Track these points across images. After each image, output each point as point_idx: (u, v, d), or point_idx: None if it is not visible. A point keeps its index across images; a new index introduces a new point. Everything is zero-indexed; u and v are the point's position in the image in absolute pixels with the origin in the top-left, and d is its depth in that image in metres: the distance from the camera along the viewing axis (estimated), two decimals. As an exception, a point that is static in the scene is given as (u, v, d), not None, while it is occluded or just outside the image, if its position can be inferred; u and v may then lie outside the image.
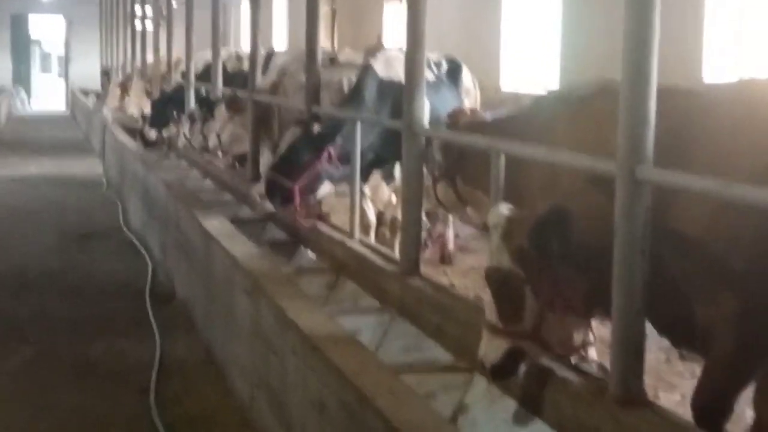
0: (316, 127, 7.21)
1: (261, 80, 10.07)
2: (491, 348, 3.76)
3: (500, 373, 3.83)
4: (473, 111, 6.34)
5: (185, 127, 11.61)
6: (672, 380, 5.19)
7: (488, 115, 5.93)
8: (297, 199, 7.18)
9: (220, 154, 11.09)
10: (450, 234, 8.40)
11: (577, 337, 3.80)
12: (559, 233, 3.64)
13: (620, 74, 3.40)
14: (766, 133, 3.29)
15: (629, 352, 3.39)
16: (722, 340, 3.27)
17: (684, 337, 3.63)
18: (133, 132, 15.37)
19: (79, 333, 7.46)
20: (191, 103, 13.23)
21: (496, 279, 3.75)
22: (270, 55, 11.68)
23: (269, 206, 7.20)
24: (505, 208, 3.86)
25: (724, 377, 3.32)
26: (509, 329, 3.72)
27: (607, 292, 3.53)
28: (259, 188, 7.19)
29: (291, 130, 7.33)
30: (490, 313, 3.77)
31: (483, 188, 4.87)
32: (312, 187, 7.26)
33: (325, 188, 7.38)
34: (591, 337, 3.90)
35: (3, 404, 6.02)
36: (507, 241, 3.74)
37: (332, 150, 7.17)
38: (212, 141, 10.54)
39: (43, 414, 5.81)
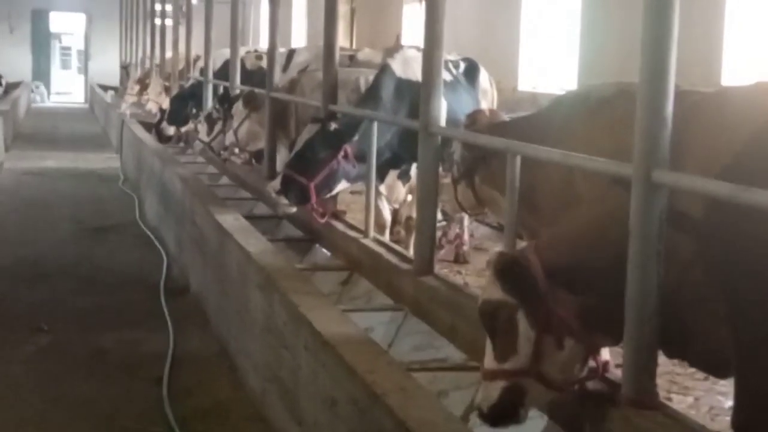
0: (333, 125, 7.21)
1: (281, 78, 10.08)
2: (488, 391, 3.57)
3: (500, 417, 3.57)
4: (492, 111, 6.33)
5: (202, 131, 11.40)
6: (685, 383, 5.18)
7: (506, 116, 5.93)
8: (313, 197, 7.18)
9: (236, 150, 11.11)
10: (465, 233, 8.40)
11: (579, 366, 3.61)
12: (524, 277, 3.53)
13: (637, 76, 3.39)
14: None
15: (642, 354, 3.39)
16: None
17: (703, 357, 3.52)
18: (150, 127, 15.43)
19: (92, 323, 7.50)
20: (209, 100, 13.27)
21: (487, 310, 3.63)
22: (291, 53, 11.69)
23: (284, 203, 7.19)
24: (500, 247, 3.74)
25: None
26: (506, 368, 3.54)
27: (607, 313, 3.49)
28: (275, 184, 7.16)
29: (308, 127, 7.31)
30: (488, 359, 3.61)
31: (500, 188, 4.86)
32: (328, 185, 7.26)
33: (341, 186, 7.39)
34: (606, 355, 3.76)
35: (16, 393, 6.06)
36: (492, 267, 3.63)
37: (349, 148, 7.18)
38: (229, 138, 10.54)
39: (56, 403, 5.85)
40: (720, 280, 3.19)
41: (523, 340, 3.53)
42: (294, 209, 7.29)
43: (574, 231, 3.75)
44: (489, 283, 3.65)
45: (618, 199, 3.54)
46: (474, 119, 5.73)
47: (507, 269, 3.57)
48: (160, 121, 14.93)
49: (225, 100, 11.06)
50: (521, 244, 4.39)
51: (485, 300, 3.65)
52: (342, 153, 7.11)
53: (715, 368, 3.59)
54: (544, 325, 3.52)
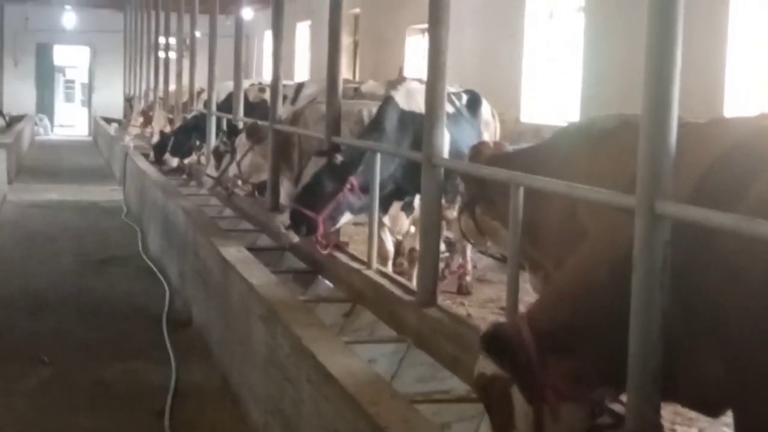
0: (339, 158, 7.21)
1: (288, 110, 10.12)
2: None
3: None
4: (496, 144, 6.36)
5: (210, 166, 11.38)
6: (689, 414, 5.14)
7: (509, 147, 5.95)
8: (320, 230, 7.19)
9: (239, 182, 11.12)
10: (468, 264, 8.40)
11: (582, 426, 3.55)
12: (513, 351, 3.46)
13: (640, 107, 3.40)
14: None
15: (646, 386, 3.37)
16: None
17: (695, 396, 3.48)
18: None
19: (95, 355, 7.48)
20: (213, 133, 13.32)
21: (481, 384, 3.58)
22: (300, 86, 11.74)
23: (293, 237, 7.17)
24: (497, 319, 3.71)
25: None
26: None
27: (606, 367, 3.45)
28: (284, 220, 7.14)
29: (314, 160, 7.31)
30: None
31: (500, 219, 4.87)
32: (333, 217, 7.28)
33: (345, 218, 7.39)
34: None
35: (18, 425, 6.03)
36: (484, 342, 3.57)
37: (354, 180, 7.18)
38: (232, 170, 10.56)
39: (58, 436, 5.83)
40: (715, 315, 3.18)
41: (520, 415, 3.47)
42: (297, 239, 7.29)
43: (567, 283, 3.69)
44: (482, 357, 3.58)
45: (620, 230, 3.53)
46: (478, 151, 5.75)
47: (495, 344, 3.50)
48: (159, 144, 14.97)
49: (232, 134, 11.10)
50: (524, 275, 4.38)
51: (479, 374, 3.59)
52: (348, 185, 7.11)
53: (708, 407, 3.54)
54: (539, 398, 3.45)
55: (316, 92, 10.95)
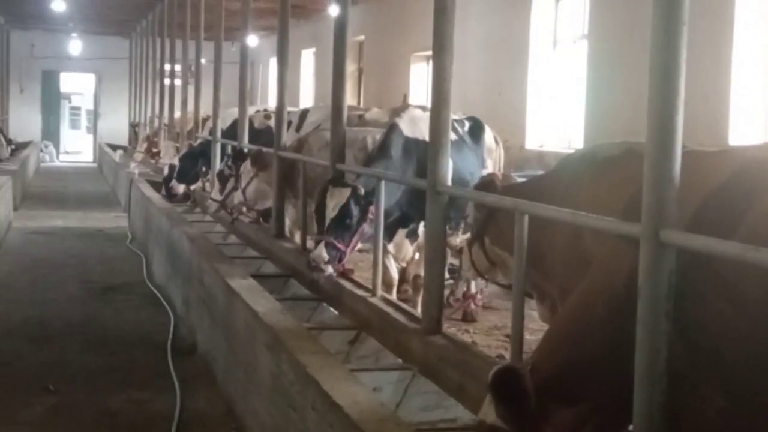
0: (362, 188, 7.19)
1: (293, 136, 10.14)
2: None
3: None
4: (505, 176, 6.38)
5: (215, 190, 11.40)
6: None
7: (516, 178, 5.96)
8: (345, 260, 7.22)
9: (244, 209, 11.14)
10: (473, 292, 8.38)
11: None
12: (516, 394, 3.40)
13: (645, 135, 3.41)
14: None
15: (653, 417, 3.35)
16: None
17: None
18: (159, 186, 15.52)
19: (100, 384, 7.47)
20: (218, 159, 13.34)
21: None
22: (305, 113, 11.78)
23: (328, 271, 7.13)
24: (500, 364, 3.58)
25: None
26: None
27: (608, 416, 3.42)
28: (322, 255, 7.07)
29: (332, 191, 7.21)
30: None
31: (510, 249, 4.86)
32: (355, 246, 7.33)
33: (358, 246, 7.43)
34: None
35: (22, 455, 6.02)
36: (489, 391, 3.48)
37: (372, 209, 7.17)
38: (237, 197, 10.58)
39: (62, 465, 5.81)
40: (718, 345, 3.16)
41: None
42: (331, 274, 7.23)
43: (567, 321, 3.63)
44: (487, 402, 3.51)
45: (621, 259, 3.52)
46: (487, 182, 5.75)
47: (503, 389, 3.41)
48: (169, 178, 15.00)
49: (238, 158, 11.12)
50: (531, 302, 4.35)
51: (480, 420, 3.54)
52: (370, 215, 7.11)
53: None
54: None
55: (320, 119, 10.99)
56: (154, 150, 20.92)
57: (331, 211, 7.10)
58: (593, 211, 3.90)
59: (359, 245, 7.44)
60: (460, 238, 7.77)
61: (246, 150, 11.86)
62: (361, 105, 18.01)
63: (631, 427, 3.50)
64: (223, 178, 11.08)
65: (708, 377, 3.22)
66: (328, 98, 8.53)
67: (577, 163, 4.68)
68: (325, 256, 7.03)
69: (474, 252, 5.73)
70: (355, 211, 7.10)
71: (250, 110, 14.57)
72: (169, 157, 18.47)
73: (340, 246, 7.08)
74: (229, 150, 13.31)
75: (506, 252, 5.04)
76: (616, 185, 4.01)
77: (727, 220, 3.17)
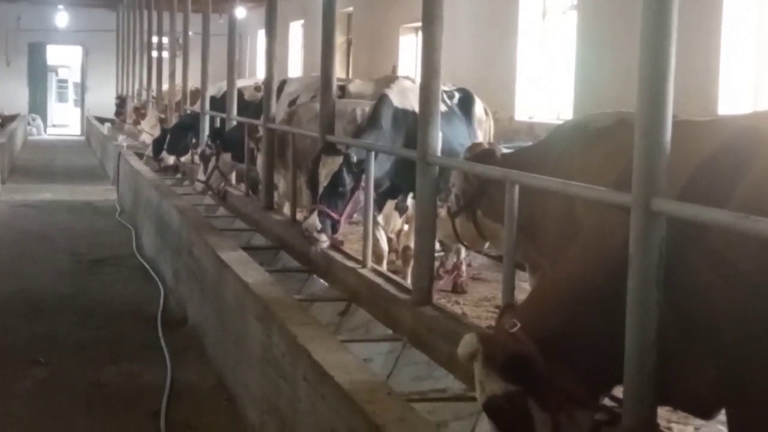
0: (355, 156, 7.15)
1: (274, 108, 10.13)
2: None
3: None
4: (491, 145, 6.36)
5: (200, 170, 11.38)
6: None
7: (503, 149, 5.94)
8: (339, 230, 7.18)
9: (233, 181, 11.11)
10: (463, 263, 8.39)
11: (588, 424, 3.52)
12: (526, 365, 3.40)
13: (635, 105, 3.40)
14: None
15: (643, 384, 3.37)
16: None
17: (687, 398, 3.45)
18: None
19: (90, 356, 7.48)
20: (206, 132, 13.30)
21: (497, 407, 3.45)
22: (283, 83, 11.75)
23: (323, 240, 7.09)
24: (469, 337, 3.52)
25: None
26: None
27: (608, 372, 3.44)
28: (315, 223, 7.02)
29: (324, 160, 7.19)
30: None
31: (503, 221, 4.85)
32: (350, 216, 7.27)
33: (353, 216, 7.40)
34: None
35: (14, 427, 6.02)
36: (491, 362, 3.45)
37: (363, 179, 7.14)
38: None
39: (54, 437, 5.82)
40: (707, 313, 3.18)
41: (540, 425, 3.41)
42: (326, 244, 7.19)
43: (561, 286, 3.64)
44: (485, 378, 3.47)
45: (613, 228, 3.53)
46: (484, 154, 5.73)
47: (509, 363, 3.41)
48: (159, 139, 14.98)
49: (217, 137, 11.11)
50: (520, 275, 4.36)
51: (490, 397, 3.46)
52: (363, 183, 7.07)
53: (701, 409, 3.54)
54: (555, 404, 3.42)
55: (297, 90, 10.97)
56: (142, 121, 20.85)
57: (323, 180, 7.07)
58: (585, 181, 3.90)
59: (354, 215, 7.40)
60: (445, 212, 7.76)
61: (234, 123, 11.86)
62: (350, 77, 17.96)
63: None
64: (205, 158, 11.07)
65: (699, 347, 3.24)
66: (317, 70, 8.50)
67: (568, 134, 4.68)
68: (318, 224, 6.99)
69: (460, 222, 5.72)
70: (347, 178, 7.06)
71: (246, 83, 14.52)
72: (150, 126, 18.41)
73: (334, 214, 7.05)
74: (218, 122, 13.29)
75: (499, 224, 5.03)
76: (608, 156, 4.01)
77: (718, 189, 3.19)
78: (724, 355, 3.15)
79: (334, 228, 7.10)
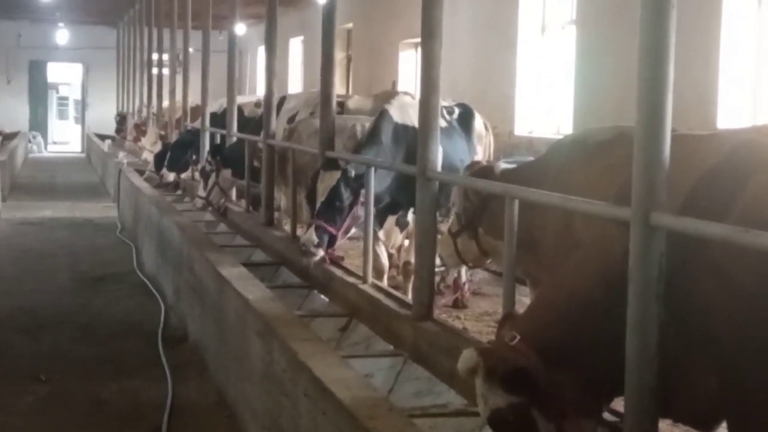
0: (352, 171, 7.16)
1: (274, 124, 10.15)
2: None
3: None
4: (489, 162, 6.38)
5: (200, 187, 11.40)
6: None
7: (503, 165, 5.95)
8: (336, 245, 7.18)
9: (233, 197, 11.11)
10: (463, 278, 8.40)
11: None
12: (528, 376, 3.41)
13: (634, 119, 3.41)
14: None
15: (644, 397, 3.37)
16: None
17: (687, 411, 3.46)
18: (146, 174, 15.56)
19: (91, 373, 7.46)
20: (206, 148, 13.33)
21: (502, 420, 3.44)
22: (282, 100, 11.78)
23: (320, 255, 7.09)
24: (469, 352, 3.51)
25: None
26: None
27: (610, 381, 3.44)
28: (312, 238, 7.02)
29: (323, 175, 7.20)
30: None
31: (504, 238, 4.84)
32: (347, 231, 7.27)
33: (352, 231, 7.40)
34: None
35: (15, 444, 6.02)
36: (493, 376, 3.43)
37: (362, 194, 7.14)
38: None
39: (55, 455, 5.81)
40: (708, 326, 3.18)
41: None
42: (321, 257, 7.19)
43: (560, 298, 3.64)
44: (488, 392, 3.45)
45: (611, 243, 3.53)
46: (483, 171, 5.73)
47: (511, 375, 3.41)
48: (160, 154, 14.99)
49: (217, 153, 11.13)
50: (521, 290, 4.36)
51: (494, 410, 3.44)
52: (362, 198, 7.08)
53: (702, 422, 3.53)
54: (560, 414, 3.42)
55: (296, 106, 11.00)
56: (143, 138, 20.88)
57: (321, 195, 7.08)
58: (585, 196, 3.90)
59: (352, 230, 7.40)
60: (447, 231, 7.76)
61: (234, 140, 11.88)
62: (350, 93, 17.99)
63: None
64: (205, 174, 11.09)
65: (700, 359, 3.24)
66: (317, 86, 8.51)
67: (568, 148, 4.68)
68: (315, 239, 7.00)
69: (461, 241, 5.71)
70: (345, 193, 7.07)
71: (246, 99, 14.56)
72: (150, 143, 18.42)
73: (331, 229, 7.06)
74: (218, 138, 13.32)
75: (500, 241, 5.03)
76: (607, 170, 4.02)
77: (719, 202, 3.20)
78: (725, 367, 3.15)
79: (331, 242, 7.10)
